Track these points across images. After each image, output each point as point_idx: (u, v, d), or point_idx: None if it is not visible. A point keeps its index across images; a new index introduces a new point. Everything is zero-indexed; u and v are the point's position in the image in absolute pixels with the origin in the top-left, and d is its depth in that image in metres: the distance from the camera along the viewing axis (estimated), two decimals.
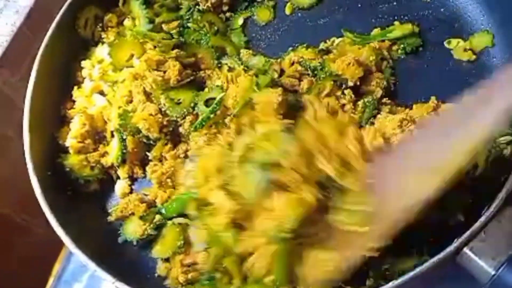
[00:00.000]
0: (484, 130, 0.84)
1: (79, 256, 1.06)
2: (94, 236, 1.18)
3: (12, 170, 1.37)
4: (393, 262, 1.06)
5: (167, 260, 1.15)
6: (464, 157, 0.85)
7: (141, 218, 1.17)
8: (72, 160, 1.23)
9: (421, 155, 0.94)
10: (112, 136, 1.25)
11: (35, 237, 1.46)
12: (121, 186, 1.25)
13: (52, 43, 1.29)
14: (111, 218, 1.21)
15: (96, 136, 1.27)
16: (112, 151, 1.24)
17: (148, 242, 1.18)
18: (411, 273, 0.94)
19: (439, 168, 0.87)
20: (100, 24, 1.39)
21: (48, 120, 1.28)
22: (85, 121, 1.25)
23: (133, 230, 1.17)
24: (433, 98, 1.20)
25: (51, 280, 1.40)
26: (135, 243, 1.17)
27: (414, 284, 0.96)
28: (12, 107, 1.36)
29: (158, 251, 1.16)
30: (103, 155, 1.25)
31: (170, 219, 1.17)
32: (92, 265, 1.05)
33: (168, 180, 1.21)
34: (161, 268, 1.15)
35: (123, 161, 1.24)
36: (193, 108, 1.20)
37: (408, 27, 1.31)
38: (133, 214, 1.20)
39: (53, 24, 1.31)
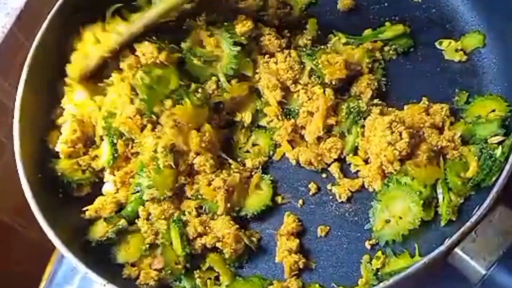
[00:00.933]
0: None
1: (70, 259, 1.05)
2: (85, 239, 1.17)
3: (5, 173, 1.37)
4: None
5: (133, 264, 1.15)
6: None
7: (105, 219, 1.16)
8: (63, 164, 1.23)
9: None
10: (102, 139, 1.25)
11: (28, 240, 1.46)
12: (108, 188, 1.25)
13: (42, 45, 1.28)
14: (84, 216, 1.19)
15: (88, 140, 1.26)
16: (103, 155, 1.23)
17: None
18: (403, 274, 0.94)
19: None
20: None
21: (39, 124, 1.27)
22: (76, 127, 1.24)
23: (96, 230, 1.16)
24: (424, 98, 1.21)
25: (43, 283, 1.40)
26: (93, 244, 1.15)
27: (406, 284, 0.97)
28: (3, 111, 1.35)
29: (123, 256, 1.15)
30: (94, 158, 1.24)
31: (133, 223, 1.17)
32: (82, 268, 1.04)
33: (131, 180, 1.20)
34: (128, 272, 1.13)
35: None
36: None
37: (399, 28, 1.32)
38: None
39: (43, 26, 1.29)
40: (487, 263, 0.92)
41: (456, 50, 1.27)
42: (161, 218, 1.15)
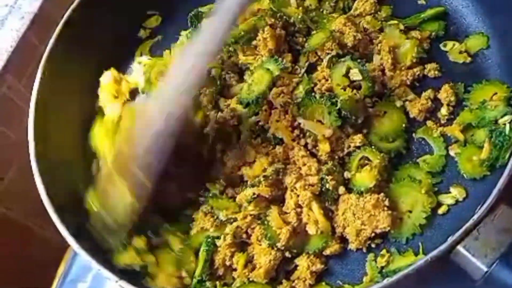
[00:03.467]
0: None
1: (83, 256, 1.08)
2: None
3: (20, 174, 1.40)
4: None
5: None
6: None
7: (136, 251, 1.15)
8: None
9: None
10: None
11: (43, 239, 1.49)
12: None
13: (56, 48, 1.32)
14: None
15: None
16: None
17: None
18: (406, 270, 0.96)
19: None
20: None
21: (53, 125, 1.30)
22: None
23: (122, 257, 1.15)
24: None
25: (57, 280, 1.43)
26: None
27: (410, 280, 0.98)
28: (17, 112, 1.39)
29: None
30: None
31: None
32: (95, 265, 1.07)
33: None
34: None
35: None
36: None
37: (440, 8, 1.34)
38: None
39: (57, 30, 1.33)
40: (488, 260, 0.94)
41: (460, 52, 1.28)
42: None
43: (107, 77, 1.38)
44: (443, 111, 1.22)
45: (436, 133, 1.19)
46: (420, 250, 1.09)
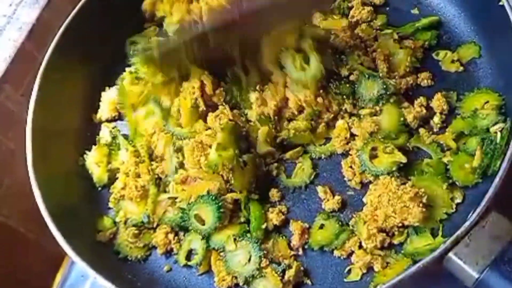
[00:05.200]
0: None
1: (79, 263, 1.09)
2: (95, 244, 1.21)
3: (17, 182, 1.41)
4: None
5: None
6: None
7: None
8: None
9: None
10: None
11: (39, 247, 1.49)
12: None
13: (53, 59, 1.34)
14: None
15: None
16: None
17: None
18: (400, 277, 0.97)
19: None
20: None
21: (50, 133, 1.31)
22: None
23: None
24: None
25: None
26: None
27: (405, 286, 0.99)
28: (15, 121, 1.40)
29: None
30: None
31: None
32: (91, 272, 1.08)
33: None
34: None
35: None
36: None
37: (434, 18, 1.37)
38: None
39: (55, 41, 1.35)
40: (479, 267, 0.95)
41: (453, 61, 1.30)
42: None
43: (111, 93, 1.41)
44: (436, 119, 1.23)
45: (429, 140, 1.20)
46: (440, 232, 1.09)
